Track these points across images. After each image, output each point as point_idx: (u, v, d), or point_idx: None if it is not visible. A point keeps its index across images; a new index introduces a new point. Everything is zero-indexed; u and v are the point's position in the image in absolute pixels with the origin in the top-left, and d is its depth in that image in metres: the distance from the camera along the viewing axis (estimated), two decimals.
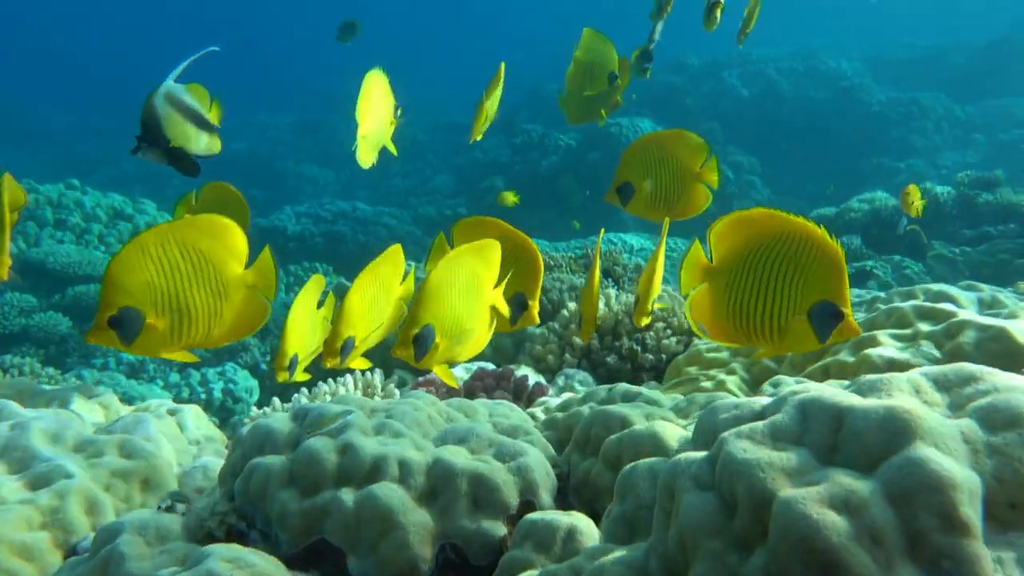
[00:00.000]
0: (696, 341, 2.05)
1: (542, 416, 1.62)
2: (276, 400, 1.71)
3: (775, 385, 1.30)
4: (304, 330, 1.26)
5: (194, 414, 1.72)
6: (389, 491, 0.89)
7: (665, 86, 12.57)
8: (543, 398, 1.73)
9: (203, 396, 4.93)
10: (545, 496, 0.93)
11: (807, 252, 1.00)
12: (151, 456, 1.25)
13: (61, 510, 1.13)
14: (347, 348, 1.15)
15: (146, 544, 0.93)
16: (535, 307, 1.28)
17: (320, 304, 1.34)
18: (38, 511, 1.12)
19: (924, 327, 1.30)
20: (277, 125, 16.22)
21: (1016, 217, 5.53)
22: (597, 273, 1.38)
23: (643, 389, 1.15)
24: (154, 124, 1.36)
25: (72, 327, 5.61)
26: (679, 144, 1.53)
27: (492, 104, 2.16)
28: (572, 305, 2.27)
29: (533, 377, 2.02)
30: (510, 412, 1.18)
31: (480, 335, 1.16)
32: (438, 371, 1.14)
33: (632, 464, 0.82)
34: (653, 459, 0.81)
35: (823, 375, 1.40)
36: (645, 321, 1.31)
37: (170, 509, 1.12)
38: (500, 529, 0.89)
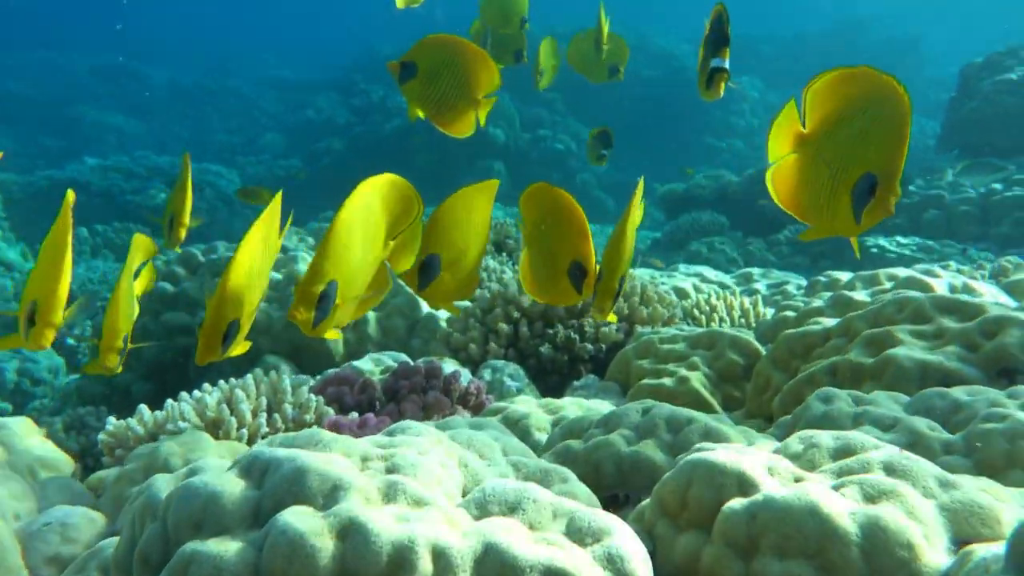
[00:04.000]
0: (640, 329, 1.87)
1: (492, 420, 1.35)
2: (144, 409, 1.28)
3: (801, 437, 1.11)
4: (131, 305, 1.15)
5: (23, 428, 1.24)
6: None
7: None
8: (497, 404, 1.45)
9: None
10: None
11: (878, 116, 0.87)
12: None
13: None
14: (231, 336, 0.96)
15: None
16: (593, 277, 1.13)
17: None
18: None
19: (949, 323, 1.18)
20: (71, 67, 14.04)
21: None
22: (631, 227, 1.12)
23: (696, 415, 0.91)
24: None
25: None
26: (476, 64, 1.54)
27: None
28: (494, 286, 2.00)
29: (463, 372, 1.73)
30: (521, 444, 0.90)
31: (369, 298, 1.07)
32: (330, 335, 1.02)
33: (788, 556, 0.58)
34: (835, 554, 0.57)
35: (830, 377, 1.25)
36: (610, 313, 1.08)
37: None
38: None
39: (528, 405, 1.41)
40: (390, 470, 0.71)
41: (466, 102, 1.58)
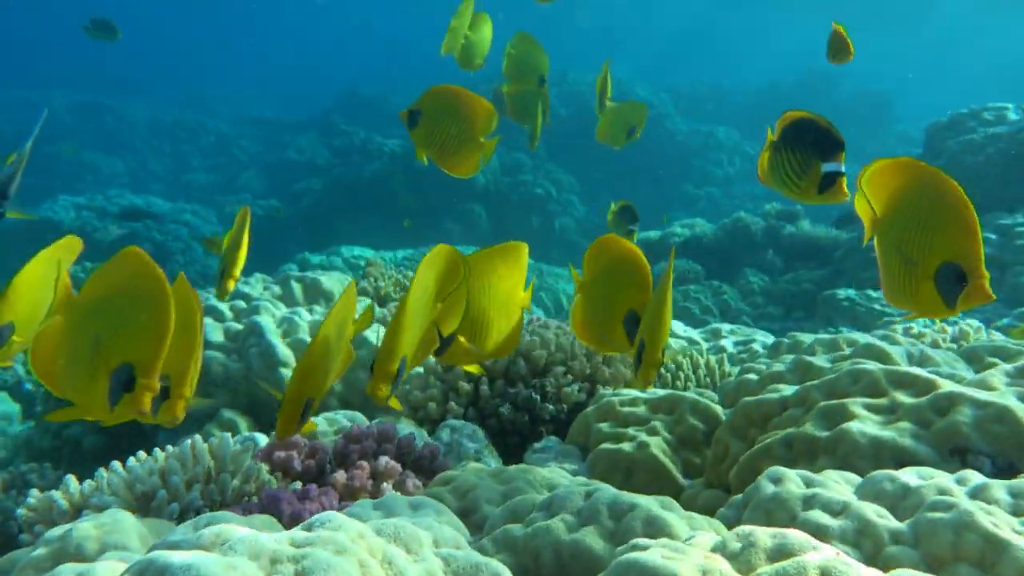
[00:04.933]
0: (602, 390, 1.83)
1: (451, 500, 1.30)
2: (71, 480, 1.21)
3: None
4: (37, 298, 1.13)
5: None
6: None
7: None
8: (448, 473, 1.39)
9: None
10: None
11: (938, 208, 0.94)
12: None
13: None
14: (307, 413, 1.05)
15: None
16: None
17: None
18: None
19: (903, 397, 1.16)
20: (47, 103, 14.00)
21: (815, 250, 6.06)
22: (670, 294, 1.11)
23: (639, 500, 0.87)
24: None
25: None
26: (477, 108, 1.65)
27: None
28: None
29: (417, 434, 1.68)
30: (454, 533, 0.85)
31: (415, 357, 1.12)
32: (394, 404, 1.08)
33: None
34: None
35: (786, 449, 1.22)
36: (652, 377, 1.06)
37: None
38: None
39: (479, 475, 1.36)
40: (299, 575, 0.67)
41: (469, 145, 1.70)
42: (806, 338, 1.88)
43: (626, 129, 2.70)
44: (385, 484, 1.43)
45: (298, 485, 1.38)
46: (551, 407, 1.82)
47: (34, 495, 1.18)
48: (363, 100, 14.57)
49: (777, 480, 0.96)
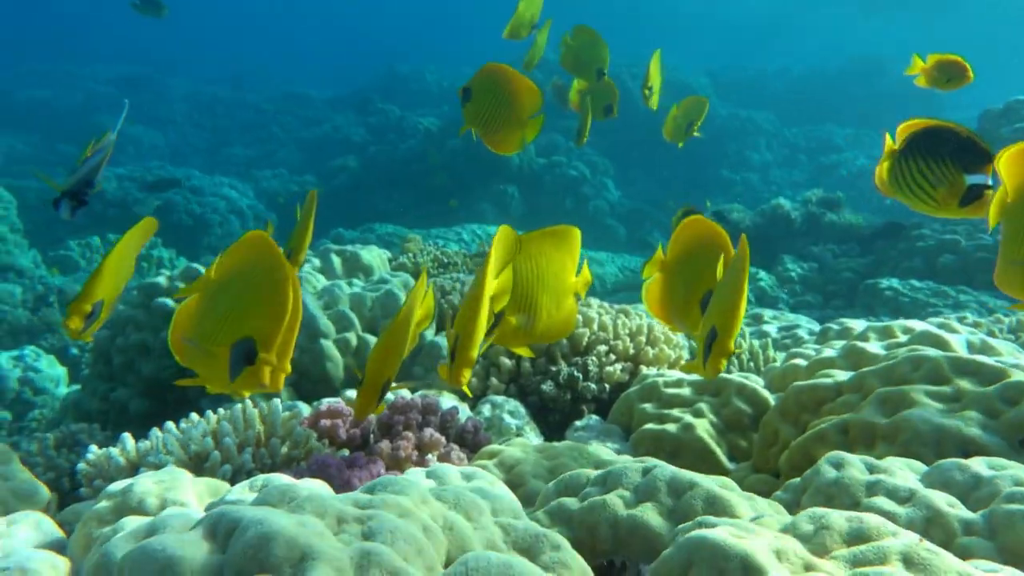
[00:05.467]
0: (645, 371, 1.82)
1: (498, 473, 1.30)
2: (127, 439, 1.23)
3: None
4: (120, 278, 1.19)
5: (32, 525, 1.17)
6: None
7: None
8: (493, 447, 1.39)
9: None
10: None
11: None
12: None
13: None
14: (384, 392, 1.10)
15: None
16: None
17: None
18: None
19: (967, 385, 1.12)
20: (93, 76, 14.23)
21: (856, 238, 5.93)
22: (746, 281, 1.07)
23: (699, 479, 0.85)
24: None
25: None
26: (521, 88, 1.70)
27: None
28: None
29: (461, 408, 1.68)
30: (512, 503, 0.85)
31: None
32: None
33: None
34: None
35: (841, 435, 1.20)
36: (722, 368, 1.04)
37: None
38: None
39: (525, 450, 1.36)
40: (367, 535, 0.66)
41: (512, 123, 1.75)
42: (856, 324, 1.84)
43: (686, 125, 2.76)
44: (430, 455, 1.44)
45: (345, 453, 1.39)
46: (593, 386, 1.80)
47: (93, 451, 1.21)
48: (399, 78, 14.56)
49: (839, 465, 0.94)
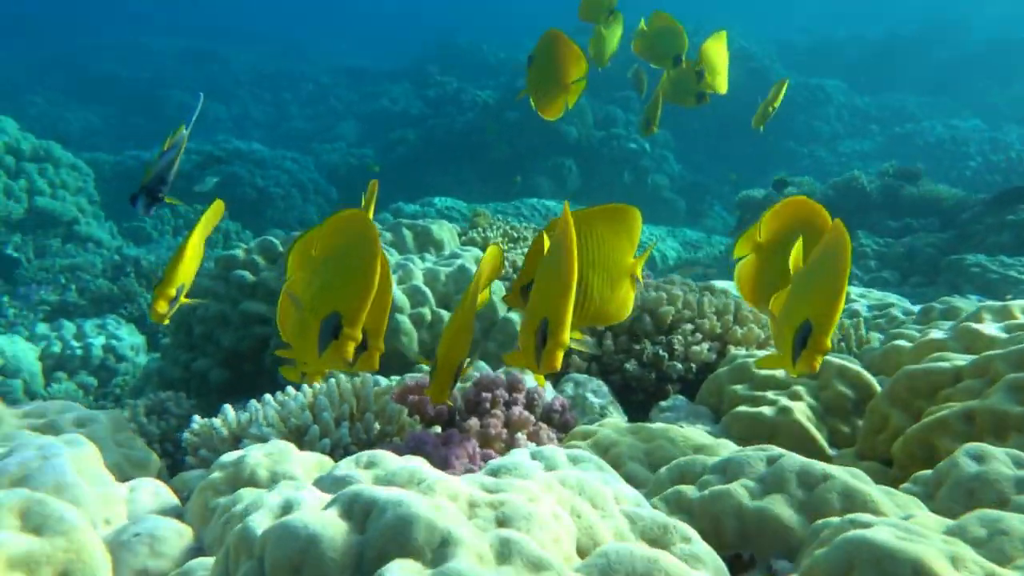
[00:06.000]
0: (734, 350, 1.76)
1: (589, 454, 1.26)
2: (228, 410, 1.25)
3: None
4: (197, 261, 1.24)
5: (114, 423, 1.22)
6: None
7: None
8: (585, 427, 1.36)
9: (79, 352, 4.23)
10: None
11: None
12: (72, 531, 0.78)
13: None
14: (457, 377, 1.12)
15: None
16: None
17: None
18: None
19: None
20: (161, 50, 14.59)
21: (936, 211, 5.65)
22: (847, 271, 0.98)
23: (833, 470, 0.80)
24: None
25: None
26: (566, 52, 1.72)
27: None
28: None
29: (546, 386, 1.66)
30: (633, 491, 0.81)
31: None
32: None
33: None
34: None
35: (966, 424, 1.12)
36: (817, 367, 0.97)
37: None
38: None
39: (619, 431, 1.33)
40: (501, 521, 0.64)
41: (556, 86, 1.75)
42: (965, 304, 1.74)
43: (766, 109, 2.82)
44: (519, 434, 1.42)
45: (437, 429, 1.38)
46: (679, 365, 1.75)
47: (197, 421, 1.23)
48: (457, 50, 14.47)
49: (979, 457, 0.87)
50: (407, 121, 11.61)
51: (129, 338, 4.28)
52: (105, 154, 8.49)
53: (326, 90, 14.03)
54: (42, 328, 4.36)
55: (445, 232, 3.00)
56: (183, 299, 1.23)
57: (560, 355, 0.98)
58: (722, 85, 2.84)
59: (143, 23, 17.19)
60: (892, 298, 2.36)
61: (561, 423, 1.53)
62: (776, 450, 0.88)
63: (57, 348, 4.22)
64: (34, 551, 0.77)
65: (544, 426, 1.49)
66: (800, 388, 1.51)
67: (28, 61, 13.27)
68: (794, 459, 0.83)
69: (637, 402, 1.80)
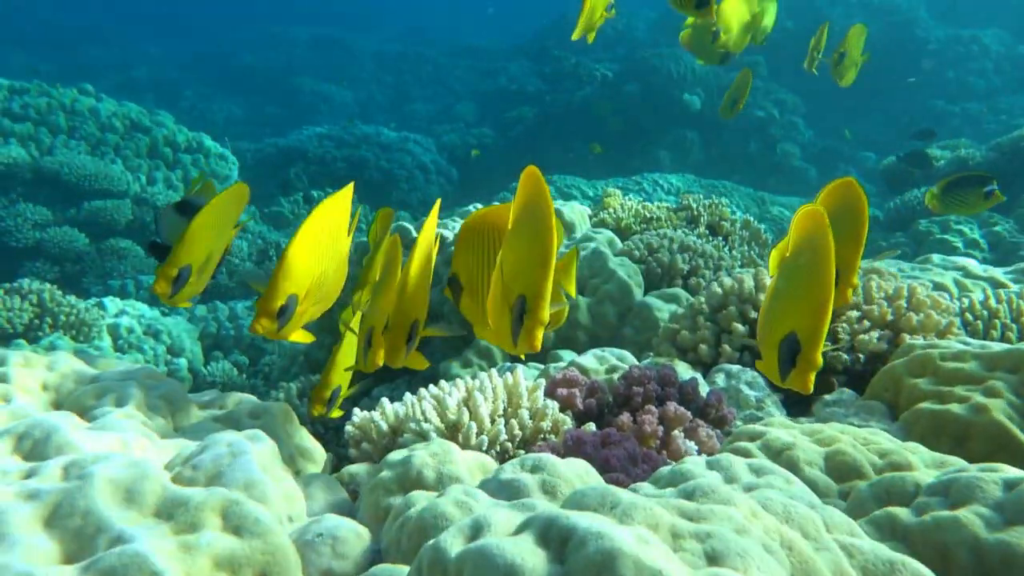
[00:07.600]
0: (909, 340, 1.59)
1: (762, 458, 1.18)
2: (386, 403, 1.26)
3: None
4: (211, 244, 1.22)
5: (283, 415, 1.25)
6: None
7: None
8: (750, 428, 1.27)
9: (232, 332, 4.54)
10: None
11: None
12: (268, 533, 0.80)
13: None
14: (288, 310, 1.03)
15: None
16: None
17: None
18: None
19: None
20: (292, 39, 15.31)
21: None
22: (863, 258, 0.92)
23: None
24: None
25: (88, 244, 5.17)
26: None
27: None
28: (726, 280, 1.81)
29: (699, 379, 1.57)
30: (845, 517, 0.73)
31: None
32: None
33: None
34: None
35: None
36: (810, 386, 0.86)
37: None
38: None
39: (789, 431, 1.23)
40: (711, 557, 0.58)
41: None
42: None
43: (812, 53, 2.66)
44: (676, 432, 1.35)
45: (592, 427, 1.33)
46: (845, 356, 1.61)
47: (357, 414, 1.25)
48: (572, 23, 14.24)
49: None
50: (524, 99, 11.56)
51: None
52: (246, 142, 9.02)
53: (445, 71, 14.23)
54: (201, 310, 4.70)
55: (576, 214, 2.94)
56: (195, 280, 1.18)
57: (540, 333, 0.89)
58: (737, 44, 2.58)
59: (277, 15, 18.10)
60: None
61: (717, 418, 1.45)
62: (1012, 471, 0.76)
63: (213, 328, 4.55)
64: (236, 552, 0.79)
65: (701, 422, 1.42)
66: (998, 383, 1.34)
67: (180, 58, 14.31)
68: None
69: (794, 396, 1.68)
